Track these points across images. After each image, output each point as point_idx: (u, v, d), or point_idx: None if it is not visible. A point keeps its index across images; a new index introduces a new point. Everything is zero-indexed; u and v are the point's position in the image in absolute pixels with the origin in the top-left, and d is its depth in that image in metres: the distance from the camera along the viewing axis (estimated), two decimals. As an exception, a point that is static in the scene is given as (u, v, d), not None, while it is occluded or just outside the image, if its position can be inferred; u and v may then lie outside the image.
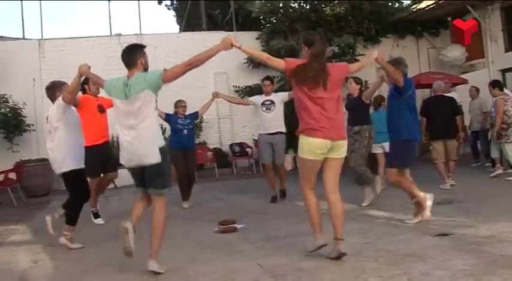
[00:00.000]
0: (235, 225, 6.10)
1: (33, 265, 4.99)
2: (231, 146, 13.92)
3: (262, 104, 7.99)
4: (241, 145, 13.94)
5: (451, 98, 8.93)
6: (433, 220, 5.50)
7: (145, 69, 4.46)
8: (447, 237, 4.83)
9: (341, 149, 4.44)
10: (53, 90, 5.72)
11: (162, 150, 4.33)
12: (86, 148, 5.93)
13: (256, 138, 13.70)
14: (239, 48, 4.47)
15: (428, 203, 5.56)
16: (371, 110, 8.91)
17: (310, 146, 4.34)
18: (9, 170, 10.42)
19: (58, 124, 5.52)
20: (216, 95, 8.41)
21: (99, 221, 7.15)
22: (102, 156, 6.98)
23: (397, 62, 5.74)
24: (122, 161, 4.48)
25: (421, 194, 5.60)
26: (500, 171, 8.75)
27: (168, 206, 7.69)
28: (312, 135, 4.32)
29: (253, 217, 6.74)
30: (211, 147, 13.84)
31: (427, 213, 5.55)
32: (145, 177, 4.38)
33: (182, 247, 5.27)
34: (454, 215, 5.87)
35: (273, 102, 7.92)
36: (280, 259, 4.48)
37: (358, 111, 7.18)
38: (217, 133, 14.36)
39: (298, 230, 5.68)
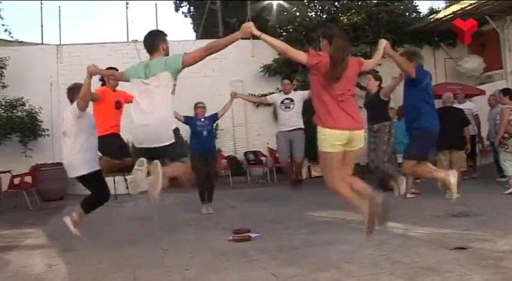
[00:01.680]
0: (250, 234, 6.06)
1: (48, 269, 4.99)
2: (245, 154, 13.92)
3: (282, 102, 8.02)
4: (255, 153, 13.93)
5: (460, 110, 8.98)
6: (449, 233, 5.42)
7: (167, 55, 4.57)
8: (464, 251, 4.74)
9: (358, 140, 4.41)
10: (74, 92, 5.79)
11: (174, 130, 4.43)
12: (101, 137, 6.00)
13: (270, 146, 13.79)
14: (259, 36, 4.38)
15: (452, 181, 5.38)
16: (394, 119, 8.90)
17: (329, 138, 4.30)
18: (25, 174, 10.49)
19: (72, 129, 5.57)
20: (234, 95, 8.38)
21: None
22: (118, 142, 7.02)
23: (413, 54, 5.74)
24: (133, 141, 4.49)
25: (442, 174, 5.46)
26: None
27: (183, 213, 7.74)
28: (330, 126, 4.29)
29: (267, 226, 6.70)
30: (225, 155, 13.84)
31: (454, 195, 5.44)
32: (159, 155, 4.41)
33: (196, 254, 5.25)
34: (471, 229, 5.78)
35: (292, 101, 7.94)
36: (294, 270, 4.43)
37: (376, 108, 7.11)
38: (231, 141, 14.37)
39: (312, 240, 5.64)
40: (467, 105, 10.69)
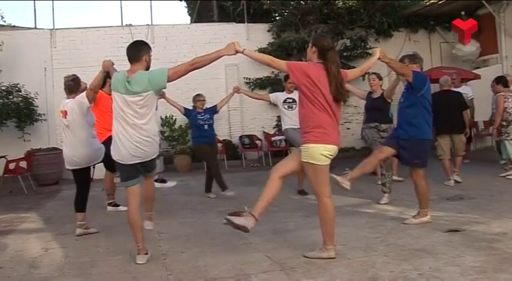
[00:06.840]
0: (245, 217, 6.08)
1: (44, 253, 5.02)
2: (240, 138, 13.92)
3: (284, 101, 7.93)
4: (251, 137, 13.93)
5: (458, 93, 8.86)
6: (443, 216, 5.47)
7: (147, 67, 4.49)
8: (458, 233, 4.80)
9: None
10: (79, 83, 5.77)
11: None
12: (104, 141, 5.95)
13: (265, 130, 13.78)
14: (242, 52, 4.39)
15: (425, 220, 5.38)
16: None
17: (325, 151, 4.23)
18: (20, 159, 10.46)
19: (79, 122, 5.53)
20: (237, 90, 8.31)
21: (122, 208, 7.14)
22: None
23: (414, 57, 5.69)
24: (117, 157, 4.44)
25: (427, 210, 5.44)
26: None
27: (178, 197, 7.77)
28: (325, 142, 4.23)
29: (262, 210, 6.73)
30: (221, 139, 13.83)
31: (424, 219, 5.41)
32: (143, 167, 4.53)
33: (192, 237, 5.29)
34: (465, 212, 5.84)
35: (294, 101, 7.85)
36: (289, 252, 4.48)
37: (381, 109, 7.14)
38: (227, 125, 14.33)
39: (306, 223, 5.69)
40: (462, 90, 10.55)
